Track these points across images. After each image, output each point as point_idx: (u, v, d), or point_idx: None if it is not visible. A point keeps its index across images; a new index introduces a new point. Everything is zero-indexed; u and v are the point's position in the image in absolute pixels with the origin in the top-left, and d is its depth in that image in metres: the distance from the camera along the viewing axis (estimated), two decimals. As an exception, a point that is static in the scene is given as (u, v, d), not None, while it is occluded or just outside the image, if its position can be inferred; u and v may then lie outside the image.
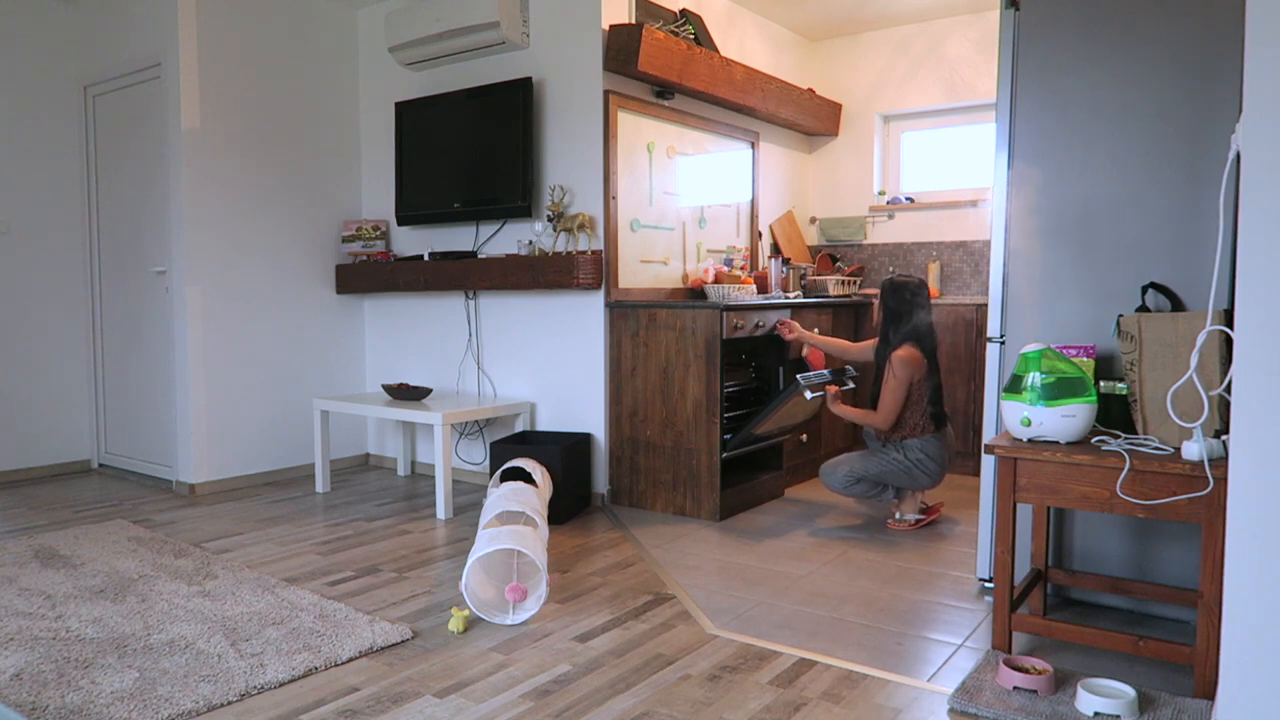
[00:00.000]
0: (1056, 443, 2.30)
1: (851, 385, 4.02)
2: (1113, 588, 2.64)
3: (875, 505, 4.06)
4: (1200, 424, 2.09)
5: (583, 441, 4.05)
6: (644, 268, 4.34)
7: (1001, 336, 2.81)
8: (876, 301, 3.84)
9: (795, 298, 4.59)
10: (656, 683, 2.27)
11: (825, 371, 3.93)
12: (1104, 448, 2.24)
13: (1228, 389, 1.95)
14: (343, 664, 2.37)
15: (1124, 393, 2.45)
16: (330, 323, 5.01)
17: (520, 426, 4.34)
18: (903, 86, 5.43)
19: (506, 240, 4.42)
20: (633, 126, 4.23)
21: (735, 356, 4.20)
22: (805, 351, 4.41)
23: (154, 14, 4.42)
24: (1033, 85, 2.70)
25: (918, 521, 3.74)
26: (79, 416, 5.01)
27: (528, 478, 3.63)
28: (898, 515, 3.77)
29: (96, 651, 2.41)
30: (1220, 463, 2.05)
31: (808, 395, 3.76)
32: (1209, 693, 2.09)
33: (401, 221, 4.73)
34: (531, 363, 4.39)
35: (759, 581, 3.07)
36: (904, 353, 3.64)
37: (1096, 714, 2.03)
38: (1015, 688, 2.16)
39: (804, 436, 4.60)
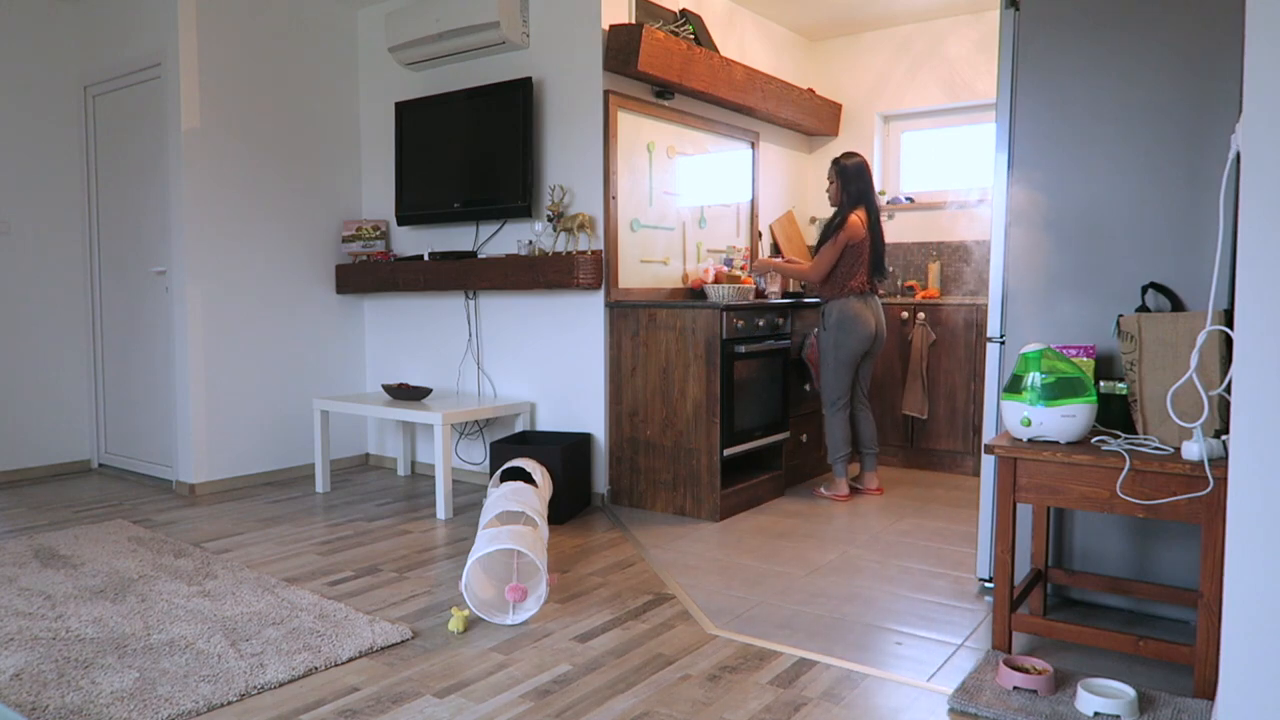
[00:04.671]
0: (1056, 443, 2.30)
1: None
2: (1113, 588, 2.64)
3: (876, 502, 4.06)
4: (1200, 424, 2.09)
5: (583, 441, 4.05)
6: (644, 268, 4.34)
7: (1001, 336, 2.81)
8: (835, 184, 4.16)
9: (795, 297, 4.59)
10: (656, 683, 2.27)
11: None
12: (1104, 448, 2.24)
13: (1228, 389, 1.95)
14: (343, 664, 2.37)
15: (1124, 393, 2.45)
16: (330, 323, 5.01)
17: (520, 426, 4.34)
18: (903, 86, 5.43)
19: (506, 240, 4.42)
20: (633, 126, 4.23)
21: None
22: (805, 352, 4.42)
23: (154, 14, 4.42)
24: (1033, 85, 2.70)
25: (840, 496, 4.13)
26: (79, 416, 5.01)
27: (528, 478, 3.63)
28: (823, 489, 4.21)
29: (96, 651, 2.41)
30: (1220, 463, 2.05)
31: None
32: (1209, 693, 2.09)
33: (401, 221, 4.72)
34: (531, 363, 4.39)
35: (759, 581, 3.07)
36: (855, 217, 4.08)
37: (1096, 714, 2.03)
38: (1015, 688, 2.16)
39: (804, 436, 4.60)
